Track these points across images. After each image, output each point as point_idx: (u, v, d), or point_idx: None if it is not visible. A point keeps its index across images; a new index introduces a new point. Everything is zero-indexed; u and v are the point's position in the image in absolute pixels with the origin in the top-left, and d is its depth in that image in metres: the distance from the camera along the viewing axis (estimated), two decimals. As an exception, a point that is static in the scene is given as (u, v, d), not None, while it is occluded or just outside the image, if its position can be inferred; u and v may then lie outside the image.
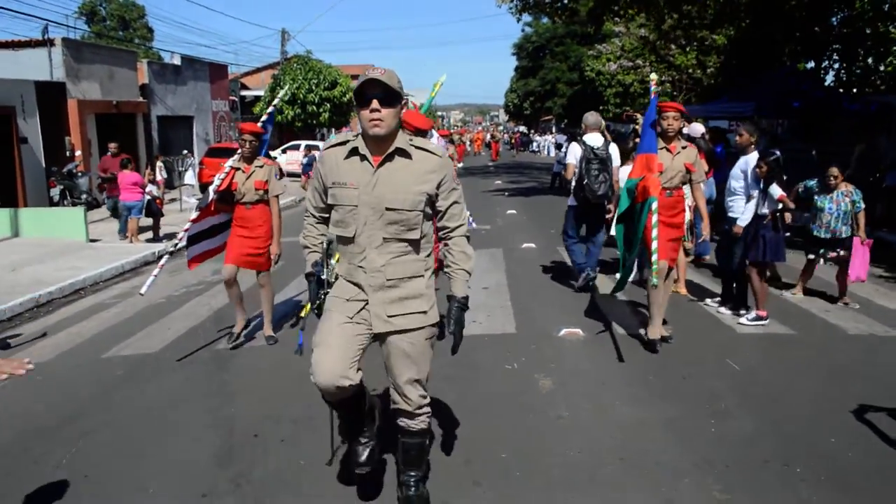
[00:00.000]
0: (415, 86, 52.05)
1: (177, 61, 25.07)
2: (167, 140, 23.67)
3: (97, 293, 9.28)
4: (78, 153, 18.77)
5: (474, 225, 8.77)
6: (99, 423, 4.74)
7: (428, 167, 2.99)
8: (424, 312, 3.08)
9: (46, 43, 18.57)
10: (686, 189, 6.17)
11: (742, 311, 6.63)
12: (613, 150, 7.66)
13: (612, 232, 6.41)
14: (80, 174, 17.55)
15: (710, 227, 6.65)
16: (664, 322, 5.95)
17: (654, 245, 5.40)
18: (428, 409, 3.24)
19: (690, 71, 34.84)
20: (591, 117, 7.81)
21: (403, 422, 3.22)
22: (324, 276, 3.14)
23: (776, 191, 6.14)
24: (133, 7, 67.25)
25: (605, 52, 40.30)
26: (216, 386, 5.31)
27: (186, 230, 5.92)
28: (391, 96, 2.85)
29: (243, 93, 35.59)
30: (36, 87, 17.16)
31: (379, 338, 3.10)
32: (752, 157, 6.40)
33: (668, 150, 5.78)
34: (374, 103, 2.82)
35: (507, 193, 20.28)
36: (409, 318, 3.05)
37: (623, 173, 7.19)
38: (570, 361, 5.59)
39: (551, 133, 55.53)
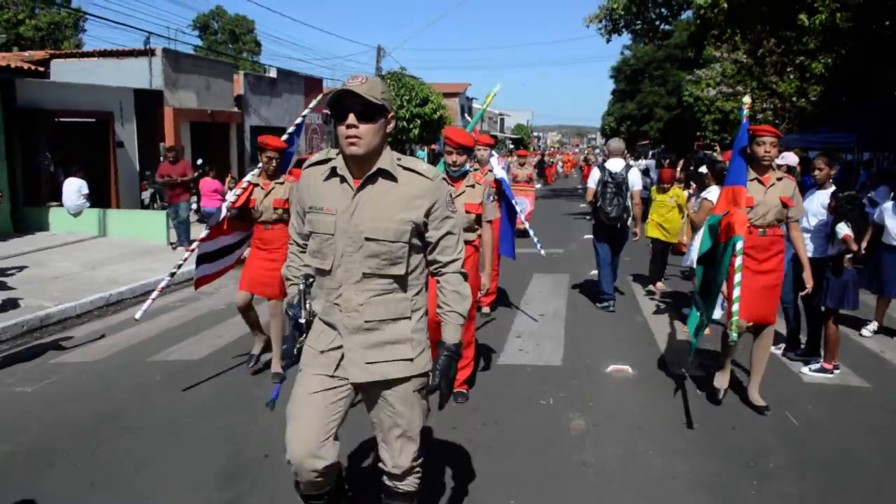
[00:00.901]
0: (511, 105, 52.22)
1: (273, 74, 25.78)
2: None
3: (166, 295, 9.46)
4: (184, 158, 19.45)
5: (543, 252, 8.45)
6: (123, 427, 4.75)
7: (416, 191, 2.56)
8: (411, 360, 2.62)
9: (148, 53, 19.41)
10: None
11: (811, 360, 6.11)
12: (633, 174, 8.03)
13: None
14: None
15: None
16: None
17: (736, 293, 4.50)
18: (419, 470, 2.80)
19: (795, 99, 33.52)
20: (614, 143, 8.61)
21: (389, 481, 2.80)
22: (301, 320, 2.68)
23: (842, 229, 5.62)
24: (243, 21, 70.05)
25: (704, 77, 39.18)
26: (245, 400, 5.24)
27: (192, 250, 5.51)
28: (372, 110, 2.46)
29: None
30: (134, 95, 17.92)
31: (360, 388, 2.68)
32: (830, 193, 5.92)
33: (760, 181, 4.92)
34: (351, 118, 2.45)
35: (588, 217, 19.80)
36: (392, 367, 2.61)
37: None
38: (610, 401, 5.24)
39: (645, 157, 54.35)
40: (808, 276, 5.11)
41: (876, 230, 7.24)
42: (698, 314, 4.93)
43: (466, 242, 4.91)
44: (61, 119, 15.62)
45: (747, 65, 28.21)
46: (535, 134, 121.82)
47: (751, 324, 5.01)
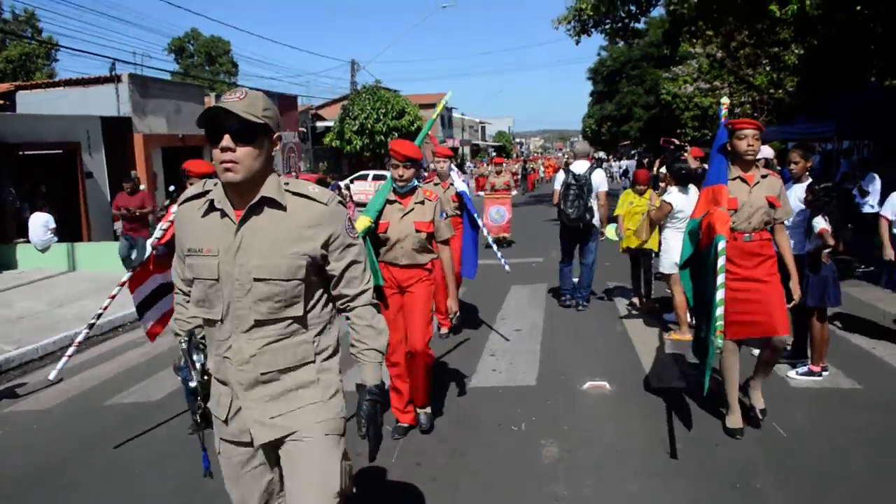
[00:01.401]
0: (492, 114, 52.00)
1: (245, 94, 25.48)
2: (235, 172, 23.95)
3: (136, 330, 9.09)
4: (143, 187, 19.09)
5: (507, 268, 7.81)
6: (62, 485, 4.40)
7: (308, 219, 2.22)
8: (322, 402, 2.29)
9: (114, 79, 19.08)
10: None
11: (797, 363, 5.82)
12: (597, 176, 8.17)
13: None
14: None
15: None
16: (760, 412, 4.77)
17: (720, 296, 3.98)
18: None
19: (772, 91, 33.49)
20: (579, 146, 8.93)
21: None
22: (192, 383, 2.30)
23: (818, 223, 5.34)
24: (219, 43, 69.80)
25: (681, 74, 39.14)
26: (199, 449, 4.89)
27: (113, 297, 4.96)
28: (251, 130, 2.11)
29: (319, 123, 36.09)
30: (102, 123, 17.56)
31: (270, 446, 2.31)
32: (806, 186, 5.65)
33: (743, 180, 4.49)
34: (227, 140, 2.09)
35: (555, 220, 19.54)
36: (301, 415, 2.26)
37: (681, 200, 6.65)
38: (586, 423, 4.92)
39: (627, 158, 54.34)
40: (794, 285, 4.63)
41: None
42: (702, 335, 4.42)
43: (419, 266, 4.60)
44: (26, 152, 15.27)
45: (721, 59, 28.16)
46: (518, 140, 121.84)
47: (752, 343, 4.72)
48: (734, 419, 4.61)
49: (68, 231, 15.27)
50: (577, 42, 18.58)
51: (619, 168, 39.76)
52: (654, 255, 7.99)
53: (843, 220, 6.44)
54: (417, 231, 4.54)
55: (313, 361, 2.29)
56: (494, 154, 69.73)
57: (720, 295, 3.99)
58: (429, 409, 4.90)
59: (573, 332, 7.46)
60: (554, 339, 7.17)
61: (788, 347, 5.75)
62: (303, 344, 2.27)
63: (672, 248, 6.69)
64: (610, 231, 8.32)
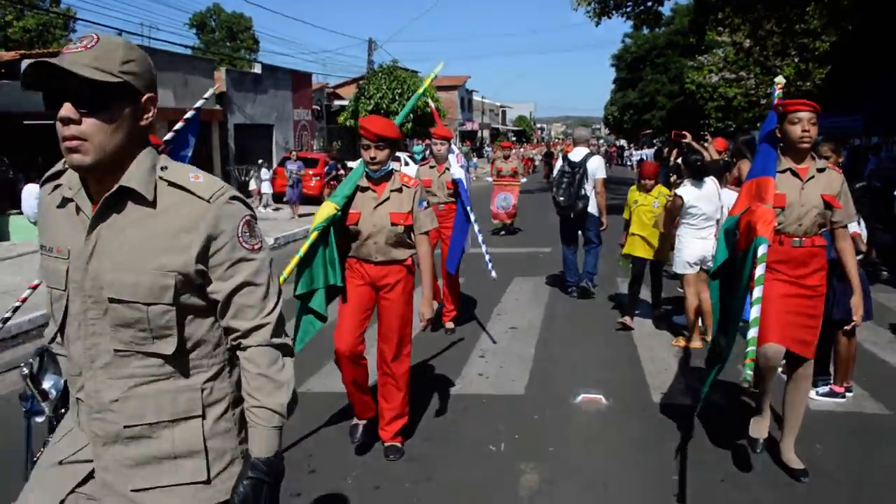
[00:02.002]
0: (513, 98, 51.05)
1: (257, 69, 24.94)
2: (244, 149, 23.50)
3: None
4: (147, 161, 18.69)
5: (494, 275, 6.61)
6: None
7: (183, 221, 1.61)
8: (205, 482, 1.67)
9: (120, 50, 18.59)
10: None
11: (819, 380, 5.21)
12: (593, 163, 7.89)
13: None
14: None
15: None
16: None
17: (755, 313, 3.19)
18: None
19: (799, 83, 32.51)
20: (579, 132, 8.78)
21: None
22: (40, 419, 1.84)
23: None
24: (241, 19, 69.35)
25: (706, 63, 38.21)
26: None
27: (34, 286, 4.13)
28: (102, 92, 1.51)
29: (336, 102, 35.53)
30: (105, 94, 17.09)
31: None
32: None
33: (794, 173, 3.70)
34: (67, 109, 1.50)
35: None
36: (172, 496, 1.66)
37: (694, 194, 5.99)
38: (575, 445, 4.35)
39: (648, 147, 53.37)
40: (857, 303, 3.83)
41: None
42: (719, 345, 3.72)
43: (397, 262, 4.03)
44: (28, 122, 14.84)
45: (748, 48, 27.25)
46: (539, 126, 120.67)
47: (783, 361, 3.93)
48: (760, 427, 3.94)
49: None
50: (597, 24, 17.85)
51: (640, 157, 38.73)
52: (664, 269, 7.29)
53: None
54: (393, 224, 3.94)
55: (202, 416, 1.68)
56: (515, 139, 68.94)
57: (755, 312, 3.21)
58: (399, 442, 4.21)
59: (572, 334, 6.87)
60: (550, 341, 6.59)
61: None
62: (186, 391, 1.66)
63: (686, 247, 6.09)
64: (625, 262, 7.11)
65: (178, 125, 4.41)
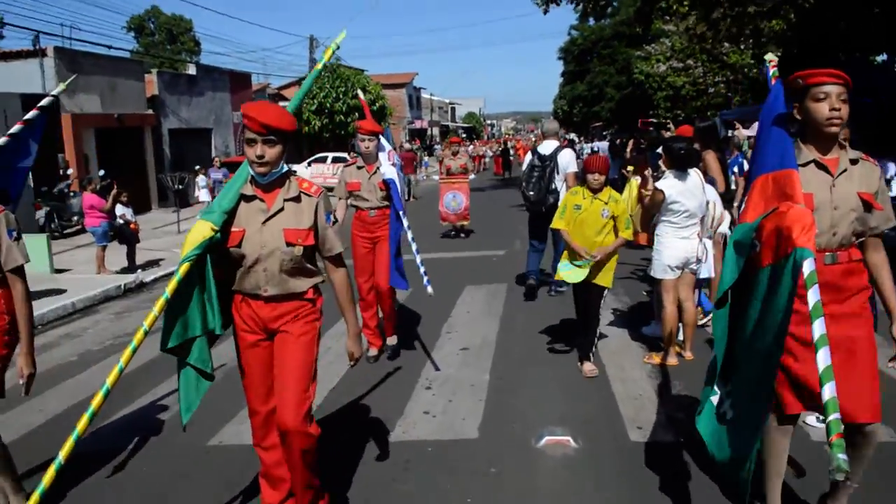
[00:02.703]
0: (462, 94, 50.16)
1: (192, 70, 23.73)
2: (181, 155, 22.26)
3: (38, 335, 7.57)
4: (72, 171, 17.43)
5: (430, 290, 5.58)
6: None
7: None
8: None
9: (38, 53, 17.30)
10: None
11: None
12: (563, 156, 7.66)
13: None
14: (72, 194, 16.27)
15: None
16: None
17: (825, 362, 2.26)
18: None
19: (746, 70, 32.41)
20: (548, 124, 8.40)
21: None
22: None
23: None
24: (181, 21, 67.71)
25: (654, 53, 37.98)
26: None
27: None
28: None
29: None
30: (21, 101, 15.75)
31: None
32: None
33: (821, 165, 2.86)
34: None
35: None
36: None
37: (678, 188, 5.22)
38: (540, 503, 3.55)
39: (599, 139, 53.18)
40: None
41: None
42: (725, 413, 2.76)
43: (295, 296, 3.12)
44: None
45: (698, 32, 26.91)
46: (489, 122, 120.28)
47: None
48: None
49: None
50: (546, 11, 17.18)
51: (591, 150, 38.30)
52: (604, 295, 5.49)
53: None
54: (289, 244, 3.05)
55: None
56: (465, 136, 68.16)
57: (824, 359, 2.26)
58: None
59: (532, 353, 6.04)
60: (507, 362, 5.78)
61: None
62: None
63: (666, 248, 5.31)
64: (568, 273, 5.35)
65: (15, 128, 3.51)
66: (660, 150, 6.13)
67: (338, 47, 3.71)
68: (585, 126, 62.55)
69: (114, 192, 11.85)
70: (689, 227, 5.28)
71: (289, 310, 3.10)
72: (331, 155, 27.16)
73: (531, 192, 7.62)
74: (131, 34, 66.27)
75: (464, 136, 69.65)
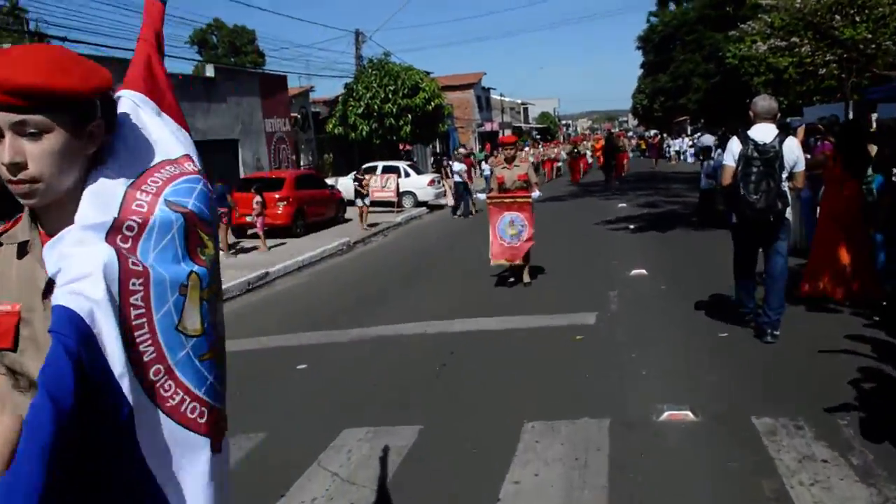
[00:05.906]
0: (535, 94, 46.18)
1: (210, 73, 20.57)
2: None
3: None
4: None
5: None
6: None
7: None
8: None
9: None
10: None
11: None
12: (791, 147, 5.91)
13: None
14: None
15: None
16: None
17: None
18: None
19: (862, 47, 27.54)
20: (762, 101, 6.33)
21: None
22: None
23: None
24: (243, 32, 66.82)
25: (750, 31, 33.27)
26: None
27: None
28: None
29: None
30: None
31: None
32: None
33: None
34: None
35: (631, 227, 13.99)
36: None
37: None
38: None
39: (687, 135, 48.42)
40: None
41: None
42: None
43: None
44: None
45: (807, 5, 22.44)
46: (564, 122, 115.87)
47: None
48: None
49: None
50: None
51: (695, 144, 33.41)
52: None
53: None
54: None
55: None
56: (539, 137, 63.80)
57: None
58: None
59: None
60: None
61: None
62: None
63: None
64: None
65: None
66: None
67: None
68: (668, 121, 57.61)
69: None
70: None
71: None
72: (381, 164, 23.51)
73: (755, 196, 5.83)
74: (195, 48, 65.48)
75: (538, 136, 65.33)
